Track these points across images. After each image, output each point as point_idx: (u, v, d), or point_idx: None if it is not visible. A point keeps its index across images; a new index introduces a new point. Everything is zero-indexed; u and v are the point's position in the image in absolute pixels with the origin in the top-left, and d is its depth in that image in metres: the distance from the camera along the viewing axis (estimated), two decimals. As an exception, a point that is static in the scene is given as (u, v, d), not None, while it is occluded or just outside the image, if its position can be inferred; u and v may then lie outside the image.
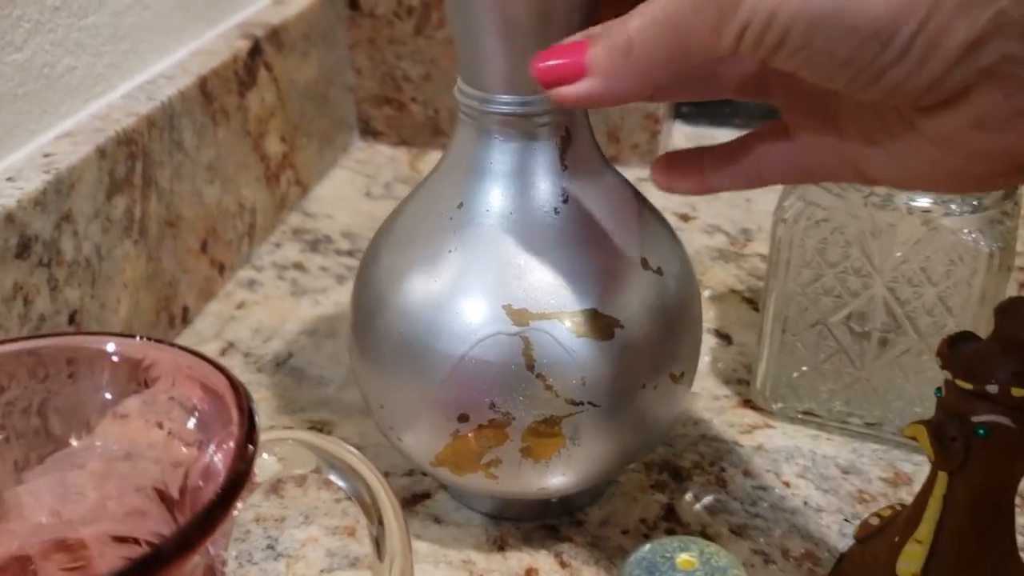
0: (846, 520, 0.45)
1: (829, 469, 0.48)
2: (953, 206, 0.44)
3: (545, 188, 0.39)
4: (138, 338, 0.26)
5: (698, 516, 0.45)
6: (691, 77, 0.36)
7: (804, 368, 0.49)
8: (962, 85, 0.26)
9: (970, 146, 0.28)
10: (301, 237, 0.68)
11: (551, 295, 0.38)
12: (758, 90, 0.36)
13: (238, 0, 0.67)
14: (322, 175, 0.75)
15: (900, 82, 0.27)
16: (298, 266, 0.64)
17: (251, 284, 0.63)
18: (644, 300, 0.40)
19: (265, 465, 0.25)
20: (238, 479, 0.21)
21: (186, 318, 0.58)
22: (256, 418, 0.23)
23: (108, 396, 0.29)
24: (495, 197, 0.39)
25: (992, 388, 0.30)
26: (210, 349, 0.56)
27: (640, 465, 0.48)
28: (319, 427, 0.50)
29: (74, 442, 0.32)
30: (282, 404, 0.52)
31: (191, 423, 0.26)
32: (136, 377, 0.29)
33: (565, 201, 0.39)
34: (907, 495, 0.46)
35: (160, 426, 0.30)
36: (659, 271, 0.41)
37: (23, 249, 0.44)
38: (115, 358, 0.27)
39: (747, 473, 0.48)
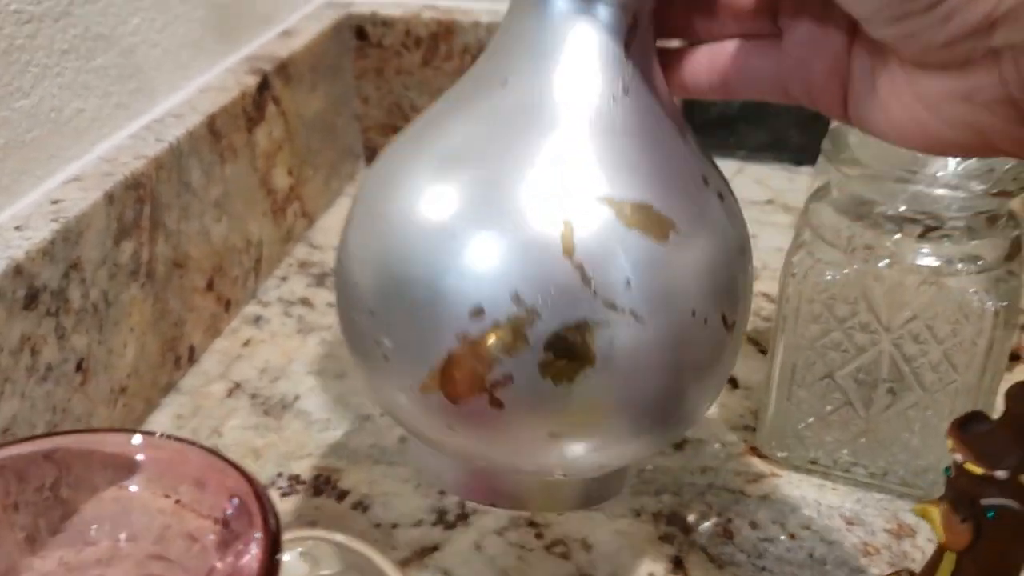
0: (852, 579, 0.45)
1: (834, 520, 0.48)
2: (959, 265, 0.44)
3: (606, 76, 0.35)
4: (158, 435, 0.26)
5: (707, 570, 0.45)
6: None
7: (810, 419, 0.49)
8: (968, 55, 0.28)
9: (952, 114, 0.29)
10: (307, 271, 0.68)
11: (601, 181, 0.33)
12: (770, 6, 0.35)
13: (246, 33, 0.67)
14: (328, 205, 0.75)
15: (918, 31, 0.28)
16: (304, 302, 0.65)
17: (257, 320, 0.63)
18: (704, 214, 0.35)
19: (291, 567, 0.26)
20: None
21: (192, 357, 0.58)
22: (279, 528, 0.23)
23: (116, 478, 0.30)
24: (547, 76, 0.35)
25: (1002, 474, 0.30)
26: (217, 389, 0.56)
27: (648, 516, 0.48)
28: (327, 474, 0.50)
29: (83, 511, 0.32)
30: (290, 450, 0.52)
31: (214, 519, 0.26)
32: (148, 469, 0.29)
33: (625, 92, 0.35)
34: (910, 547, 0.47)
35: (167, 496, 0.30)
36: (720, 196, 0.37)
37: (31, 300, 0.45)
38: (139, 456, 0.27)
39: (754, 524, 0.48)
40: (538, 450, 0.35)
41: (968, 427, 0.32)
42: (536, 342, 0.32)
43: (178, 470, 0.27)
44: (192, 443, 0.26)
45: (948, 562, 0.33)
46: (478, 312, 0.32)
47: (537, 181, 0.33)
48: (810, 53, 0.34)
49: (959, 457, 0.32)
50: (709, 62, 0.36)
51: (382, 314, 0.35)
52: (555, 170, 0.33)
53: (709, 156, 0.38)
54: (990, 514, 0.31)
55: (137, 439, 0.27)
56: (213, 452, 0.26)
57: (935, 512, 0.32)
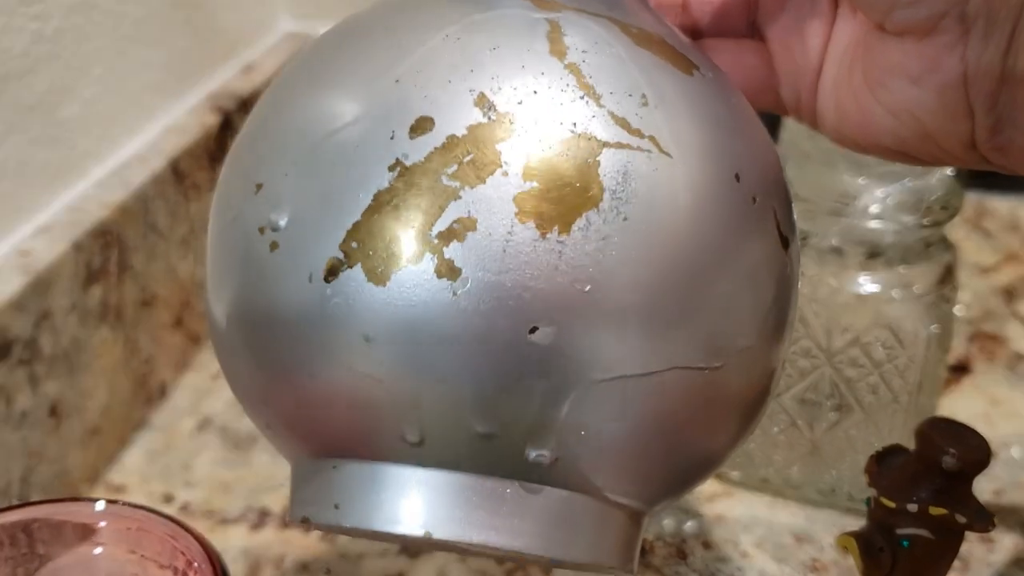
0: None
1: (784, 538, 0.50)
2: (894, 292, 0.46)
3: None
4: (121, 503, 0.28)
5: (659, 591, 0.47)
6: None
7: (760, 439, 0.52)
8: (937, 19, 0.27)
9: (897, 98, 0.28)
10: (274, 302, 0.69)
11: (598, 3, 0.27)
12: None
13: (209, 71, 0.68)
14: (294, 234, 0.77)
15: None
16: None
17: (226, 354, 0.64)
18: (725, 82, 0.29)
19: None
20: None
21: (163, 393, 0.60)
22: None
23: (87, 535, 0.32)
24: None
25: (912, 507, 0.32)
26: (187, 425, 0.58)
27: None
28: (294, 507, 0.52)
29: (58, 561, 0.34)
30: (259, 483, 0.54)
31: (173, 569, 0.28)
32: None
33: None
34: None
35: (132, 552, 0.32)
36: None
37: (4, 352, 0.46)
38: (104, 523, 0.29)
39: (707, 544, 0.50)
40: (510, 358, 0.23)
41: (884, 461, 0.34)
42: (513, 165, 0.23)
43: (140, 533, 0.29)
44: (152, 511, 0.28)
45: (873, 588, 0.35)
46: (423, 124, 0.23)
47: None
48: (793, 50, 0.32)
49: (875, 492, 0.34)
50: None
51: (274, 179, 0.25)
52: None
53: None
54: (904, 543, 0.33)
55: (100, 506, 0.29)
56: (171, 519, 0.28)
57: (854, 544, 0.34)
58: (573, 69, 0.24)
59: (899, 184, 0.44)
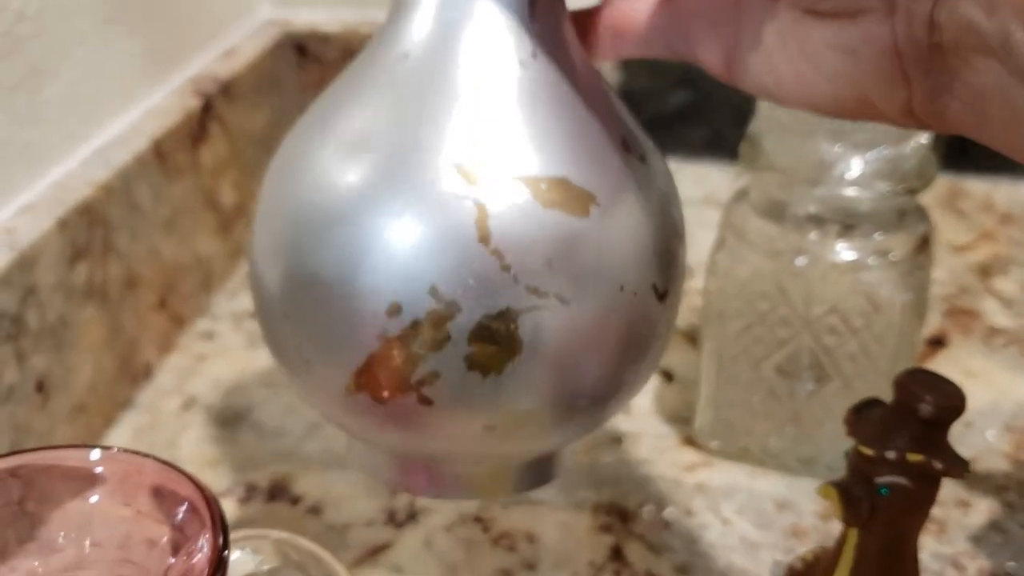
0: (780, 559, 0.48)
1: (765, 505, 0.51)
2: (870, 260, 0.47)
3: (510, 41, 0.33)
4: (115, 448, 0.29)
5: (644, 556, 0.48)
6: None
7: (740, 409, 0.52)
8: (861, 3, 0.28)
9: (833, 67, 0.29)
10: (257, 285, 0.70)
11: (513, 157, 0.32)
12: None
13: (189, 55, 0.69)
14: (276, 220, 0.77)
15: None
16: (254, 315, 0.66)
17: (210, 335, 0.65)
18: (625, 184, 0.34)
19: (238, 563, 0.28)
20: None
21: (148, 373, 0.60)
22: (226, 528, 0.26)
23: (79, 490, 0.32)
24: (449, 47, 0.33)
25: (891, 454, 0.33)
26: (173, 404, 0.58)
27: (588, 508, 0.51)
28: (281, 481, 0.53)
29: (49, 522, 0.34)
30: (245, 459, 0.54)
31: (170, 525, 0.28)
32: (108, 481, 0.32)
33: (533, 57, 0.33)
34: (837, 529, 0.49)
35: (127, 505, 0.32)
36: (642, 159, 0.36)
37: (-10, 326, 0.46)
38: (98, 469, 0.29)
39: (689, 512, 0.51)
40: (474, 442, 0.34)
41: (862, 413, 0.35)
42: (459, 336, 0.31)
43: (135, 480, 0.29)
44: (146, 455, 0.29)
45: (852, 536, 0.36)
46: (395, 310, 0.31)
47: (446, 163, 0.32)
48: (699, 5, 0.33)
49: (854, 441, 0.35)
50: (611, 20, 0.36)
51: (297, 318, 0.34)
52: (464, 149, 0.32)
53: (634, 117, 0.38)
54: (883, 491, 0.34)
55: (95, 453, 0.29)
56: (166, 463, 0.28)
57: (834, 492, 0.35)
58: (497, 254, 0.31)
59: (875, 151, 0.45)
